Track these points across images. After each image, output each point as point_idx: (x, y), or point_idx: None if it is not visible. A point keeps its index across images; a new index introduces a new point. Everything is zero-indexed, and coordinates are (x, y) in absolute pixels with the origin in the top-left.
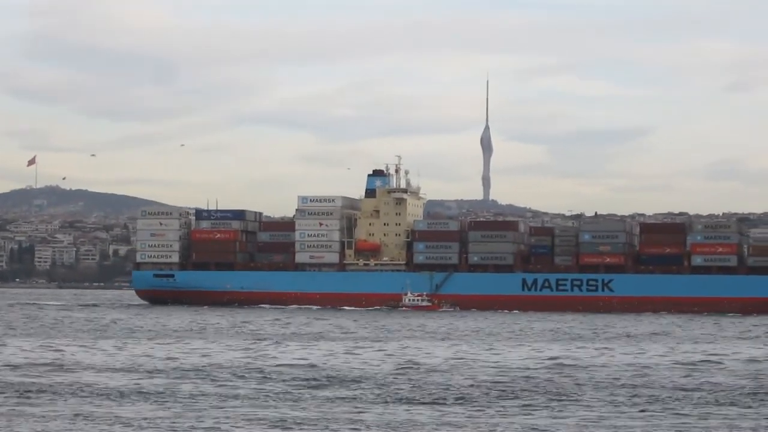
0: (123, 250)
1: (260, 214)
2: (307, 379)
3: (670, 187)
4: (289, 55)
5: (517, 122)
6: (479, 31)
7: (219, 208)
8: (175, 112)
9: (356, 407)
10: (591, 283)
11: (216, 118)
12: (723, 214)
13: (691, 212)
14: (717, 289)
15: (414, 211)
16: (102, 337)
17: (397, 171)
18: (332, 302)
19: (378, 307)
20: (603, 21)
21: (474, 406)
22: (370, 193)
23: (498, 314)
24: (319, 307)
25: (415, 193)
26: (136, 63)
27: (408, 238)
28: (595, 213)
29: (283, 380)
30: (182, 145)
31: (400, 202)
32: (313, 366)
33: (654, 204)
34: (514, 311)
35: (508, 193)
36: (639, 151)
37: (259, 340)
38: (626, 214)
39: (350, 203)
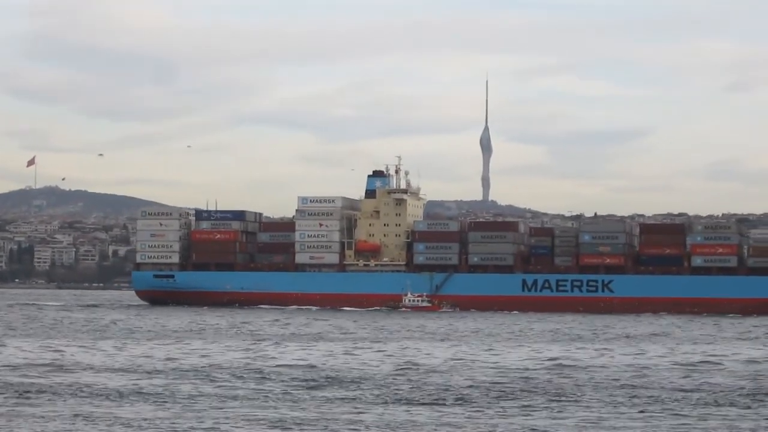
0: (122, 250)
1: (260, 214)
2: (306, 380)
3: (669, 187)
4: (289, 55)
5: (517, 122)
6: (479, 31)
7: (219, 209)
8: (175, 112)
9: (356, 408)
10: (591, 283)
11: (216, 118)
12: (722, 214)
13: (691, 213)
14: (717, 290)
15: (414, 212)
16: (102, 338)
17: (397, 171)
18: (332, 303)
19: (378, 308)
20: (603, 21)
21: (473, 407)
22: (370, 193)
23: (498, 315)
24: (319, 307)
25: (415, 194)
26: (136, 63)
27: (408, 238)
28: (595, 214)
29: (283, 381)
30: (189, 146)
31: (400, 202)
32: (312, 367)
33: (654, 204)
34: (514, 312)
35: (507, 193)
36: (639, 151)
37: (258, 340)
38: (626, 214)
39: (350, 204)
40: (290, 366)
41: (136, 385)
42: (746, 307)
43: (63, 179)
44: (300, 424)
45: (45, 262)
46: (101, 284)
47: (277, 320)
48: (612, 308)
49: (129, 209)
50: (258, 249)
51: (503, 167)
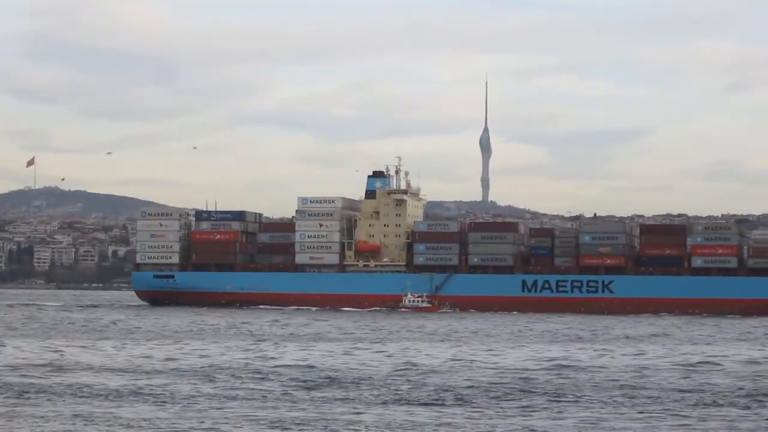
0: (122, 251)
1: (260, 215)
2: (306, 380)
3: (669, 187)
4: (289, 55)
5: (517, 122)
6: (479, 31)
7: (219, 209)
8: (175, 112)
9: (355, 408)
10: (591, 284)
11: (216, 118)
12: (722, 215)
13: (691, 213)
14: (717, 291)
15: (414, 212)
16: (101, 338)
17: (397, 172)
18: (332, 303)
19: (378, 309)
20: (603, 21)
21: (473, 407)
22: (370, 194)
23: (498, 315)
24: (318, 308)
25: (415, 194)
26: (136, 63)
27: (408, 239)
28: (594, 214)
29: (282, 381)
30: (195, 147)
31: (400, 203)
32: (312, 367)
33: (653, 205)
34: (514, 312)
35: (507, 194)
36: (639, 151)
37: (258, 341)
38: (625, 215)
39: (350, 204)
40: (290, 366)
41: (136, 385)
42: (746, 307)
43: (62, 179)
44: (300, 424)
45: (44, 263)
46: (101, 284)
47: (276, 321)
48: (612, 309)
49: (129, 209)
50: (258, 249)
51: (503, 168)
